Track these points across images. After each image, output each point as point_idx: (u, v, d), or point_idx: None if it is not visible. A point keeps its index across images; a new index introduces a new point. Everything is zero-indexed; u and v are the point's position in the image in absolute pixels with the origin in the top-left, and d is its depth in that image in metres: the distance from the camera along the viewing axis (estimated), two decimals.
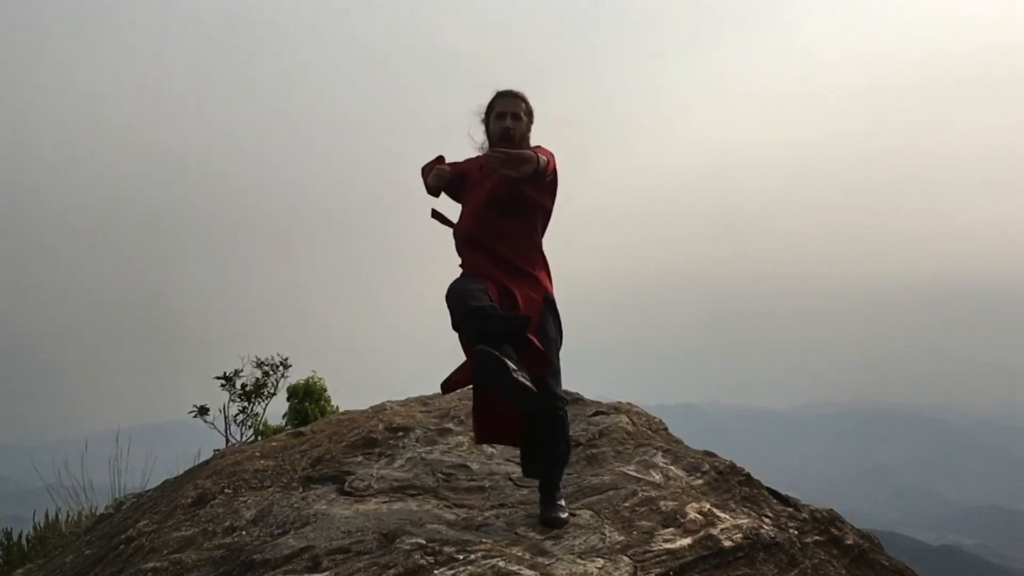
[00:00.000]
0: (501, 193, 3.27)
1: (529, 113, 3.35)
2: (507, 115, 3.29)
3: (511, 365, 2.77)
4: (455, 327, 3.11)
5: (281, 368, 6.94)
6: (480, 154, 3.42)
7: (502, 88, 3.36)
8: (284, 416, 6.90)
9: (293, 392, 6.87)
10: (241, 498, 3.60)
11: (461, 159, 3.54)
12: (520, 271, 3.26)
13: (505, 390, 2.80)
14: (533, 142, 3.33)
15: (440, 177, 3.41)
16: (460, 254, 3.38)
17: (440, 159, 3.53)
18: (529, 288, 3.23)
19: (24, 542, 5.24)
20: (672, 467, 3.87)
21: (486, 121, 3.38)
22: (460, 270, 3.35)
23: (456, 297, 3.10)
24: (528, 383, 2.78)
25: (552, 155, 3.24)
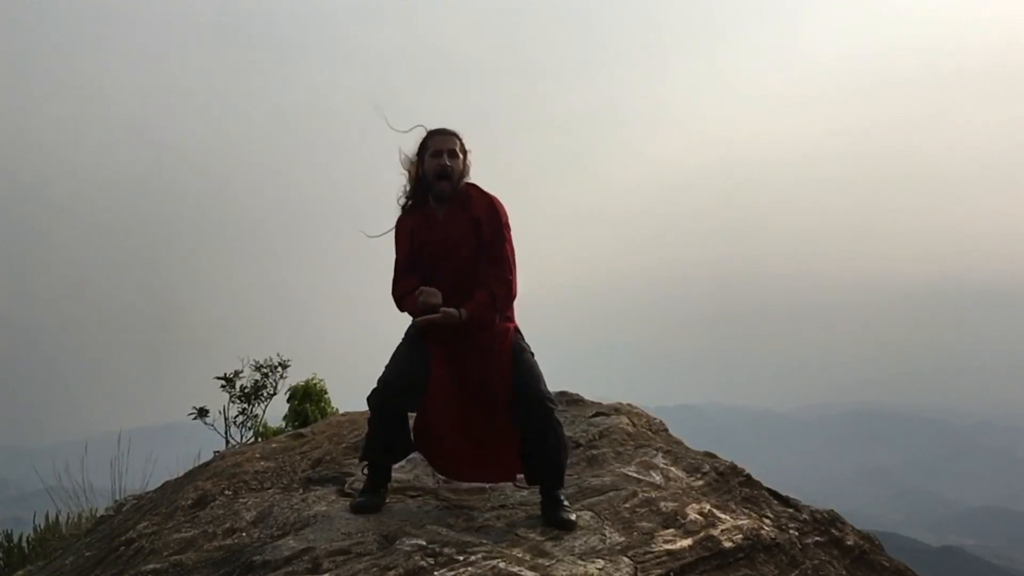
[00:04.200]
0: (475, 244, 3.20)
1: (464, 151, 3.25)
2: (443, 152, 3.17)
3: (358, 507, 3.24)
4: (369, 404, 3.25)
5: (280, 369, 6.93)
6: (413, 203, 3.30)
7: (433, 127, 3.25)
8: (284, 418, 6.89)
9: (293, 394, 6.86)
10: (241, 500, 3.59)
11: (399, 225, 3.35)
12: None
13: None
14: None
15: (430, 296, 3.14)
16: (421, 317, 3.20)
17: (410, 284, 3.25)
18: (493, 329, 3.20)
19: (24, 544, 5.24)
20: (672, 468, 3.86)
21: (420, 160, 3.24)
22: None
23: (378, 399, 3.19)
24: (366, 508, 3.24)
25: (507, 228, 3.23)
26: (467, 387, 3.21)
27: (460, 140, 3.25)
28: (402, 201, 3.34)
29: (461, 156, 3.23)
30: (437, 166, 3.17)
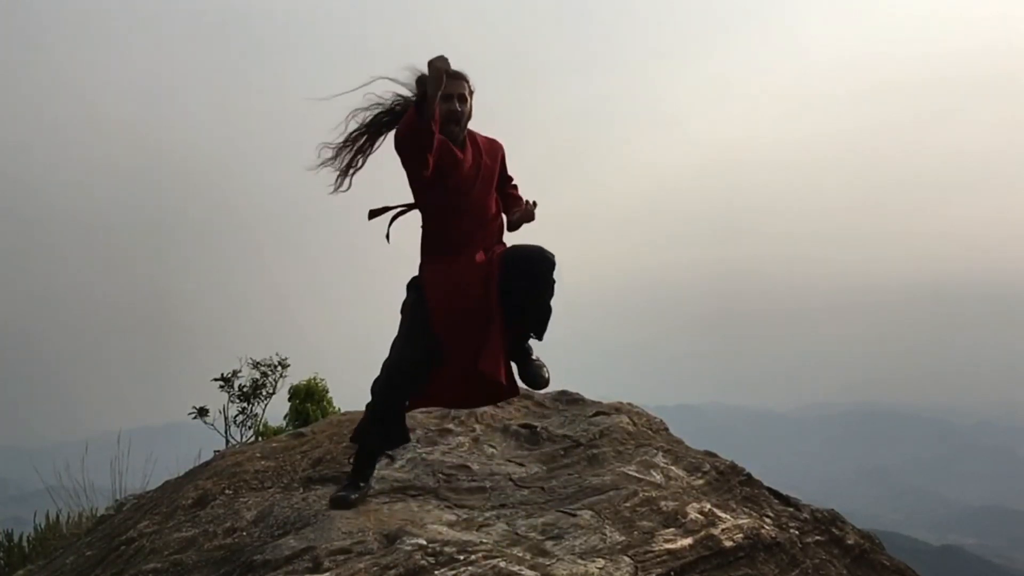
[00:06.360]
0: (489, 183, 3.33)
1: (472, 93, 3.28)
2: (454, 97, 3.18)
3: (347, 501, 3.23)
4: (372, 391, 3.27)
5: (279, 368, 6.94)
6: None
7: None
8: (285, 417, 6.90)
9: (294, 393, 6.87)
10: (242, 499, 3.59)
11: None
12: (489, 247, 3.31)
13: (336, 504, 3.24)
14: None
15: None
16: (442, 254, 3.28)
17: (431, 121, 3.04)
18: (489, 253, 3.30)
19: (25, 543, 5.25)
20: (673, 467, 3.86)
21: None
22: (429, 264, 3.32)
23: (384, 383, 3.22)
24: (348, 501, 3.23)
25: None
26: (467, 311, 3.23)
27: (468, 83, 3.26)
28: (408, 96, 3.29)
29: (469, 99, 3.27)
30: (447, 111, 3.18)
